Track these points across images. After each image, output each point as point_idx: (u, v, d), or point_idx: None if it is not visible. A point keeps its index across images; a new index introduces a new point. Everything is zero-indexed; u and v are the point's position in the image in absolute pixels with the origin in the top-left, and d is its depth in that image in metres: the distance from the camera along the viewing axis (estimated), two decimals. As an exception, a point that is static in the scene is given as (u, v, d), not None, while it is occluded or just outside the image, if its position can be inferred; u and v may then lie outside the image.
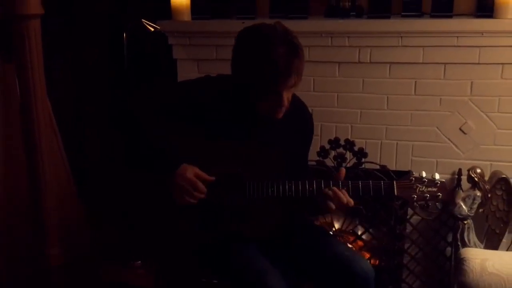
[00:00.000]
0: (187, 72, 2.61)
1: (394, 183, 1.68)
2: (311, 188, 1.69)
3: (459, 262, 1.63)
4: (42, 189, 1.68)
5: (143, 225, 1.94)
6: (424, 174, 1.70)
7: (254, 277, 1.63)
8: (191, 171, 1.65)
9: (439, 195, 1.67)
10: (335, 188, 1.65)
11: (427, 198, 1.67)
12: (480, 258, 1.58)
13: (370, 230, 2.44)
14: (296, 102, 1.78)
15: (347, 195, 1.65)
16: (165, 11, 2.57)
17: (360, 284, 1.67)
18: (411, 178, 1.69)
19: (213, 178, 1.68)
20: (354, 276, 1.66)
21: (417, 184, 1.68)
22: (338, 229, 2.58)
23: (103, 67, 2.99)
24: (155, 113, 1.69)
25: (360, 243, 2.52)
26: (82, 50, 2.97)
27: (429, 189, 1.68)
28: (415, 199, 1.68)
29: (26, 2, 1.52)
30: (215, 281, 2.01)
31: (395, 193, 1.68)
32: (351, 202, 1.65)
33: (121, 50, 2.70)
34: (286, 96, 1.63)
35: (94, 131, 3.05)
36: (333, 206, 1.65)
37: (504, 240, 2.42)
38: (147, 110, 1.70)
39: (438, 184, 1.68)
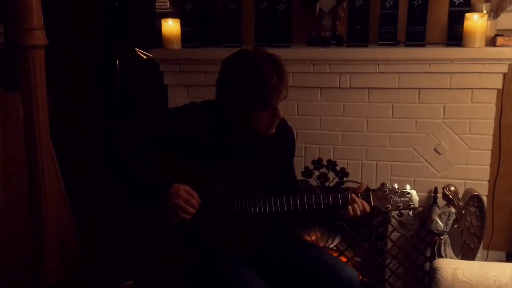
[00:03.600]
0: (177, 97, 2.74)
1: (371, 194, 1.82)
2: (295, 203, 1.80)
3: (432, 272, 1.75)
4: (42, 208, 1.77)
5: (133, 243, 2.02)
6: (396, 186, 1.84)
7: None
8: (183, 189, 1.73)
9: (411, 204, 1.82)
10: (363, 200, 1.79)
11: (400, 207, 1.82)
12: (451, 267, 1.70)
13: (353, 246, 2.56)
14: None
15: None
16: (157, 40, 2.72)
17: None
18: (385, 189, 1.83)
19: (199, 200, 1.75)
20: (339, 282, 1.75)
21: (391, 195, 1.82)
22: (323, 245, 2.69)
23: (97, 93, 3.11)
24: (141, 142, 1.75)
25: (343, 259, 2.63)
26: (76, 76, 3.08)
27: (402, 199, 1.82)
28: (389, 208, 1.82)
29: (32, 33, 1.64)
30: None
31: (372, 203, 1.81)
32: (367, 207, 1.79)
33: (114, 76, 2.83)
34: (279, 109, 1.75)
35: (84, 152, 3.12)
36: (351, 212, 1.77)
37: (479, 255, 2.55)
38: (132, 140, 1.75)
39: (409, 195, 1.82)
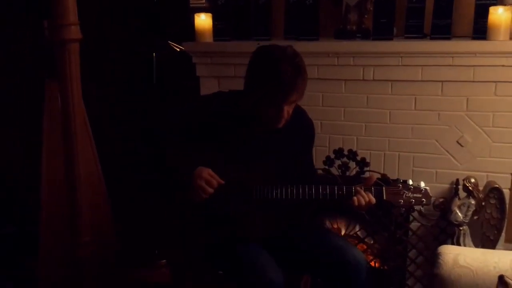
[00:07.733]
0: (208, 87, 2.88)
1: (384, 188, 1.88)
2: (310, 192, 1.90)
3: (435, 257, 1.81)
4: (77, 184, 1.97)
5: (161, 225, 2.18)
6: (410, 182, 1.89)
7: (255, 271, 1.82)
8: (206, 171, 1.88)
9: (423, 200, 1.87)
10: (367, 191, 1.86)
11: (412, 203, 1.87)
12: (453, 253, 1.75)
13: (373, 234, 2.63)
14: (297, 110, 1.97)
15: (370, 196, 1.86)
16: (190, 33, 2.87)
17: (353, 271, 1.86)
18: (399, 185, 1.89)
19: (222, 181, 1.89)
20: (347, 264, 1.86)
21: (404, 190, 1.87)
22: (345, 233, 2.78)
23: (136, 82, 3.31)
24: (173, 131, 1.92)
25: (363, 246, 2.71)
26: (117, 69, 3.29)
27: (415, 195, 1.87)
28: (401, 203, 1.87)
29: (68, 29, 1.83)
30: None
31: (384, 198, 1.88)
32: (373, 200, 1.86)
33: (150, 68, 3.01)
34: (287, 109, 1.85)
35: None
36: (356, 203, 1.84)
37: (500, 247, 2.56)
38: (166, 129, 1.93)
39: (422, 191, 1.87)
